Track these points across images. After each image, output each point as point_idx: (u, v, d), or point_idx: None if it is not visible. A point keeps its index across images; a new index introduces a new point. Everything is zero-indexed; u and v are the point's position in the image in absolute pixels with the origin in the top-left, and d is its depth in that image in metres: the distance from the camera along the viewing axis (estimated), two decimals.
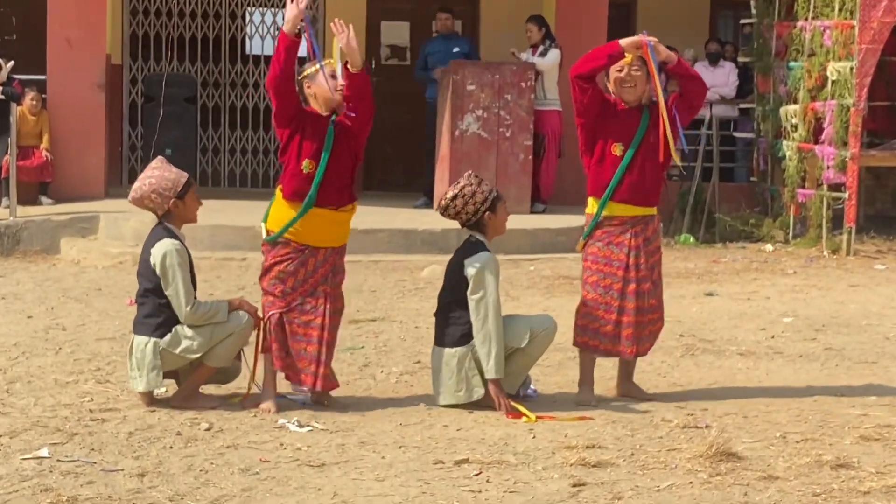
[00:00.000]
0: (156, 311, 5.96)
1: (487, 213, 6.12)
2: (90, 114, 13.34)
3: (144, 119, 14.41)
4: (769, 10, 13.66)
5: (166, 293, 5.91)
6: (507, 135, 12.60)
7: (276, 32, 15.83)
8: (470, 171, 6.33)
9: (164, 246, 5.92)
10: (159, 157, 6.24)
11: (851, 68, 12.07)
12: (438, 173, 13.08)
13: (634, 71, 6.24)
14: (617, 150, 6.29)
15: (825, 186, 12.45)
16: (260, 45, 15.60)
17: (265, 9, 15.98)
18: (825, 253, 12.12)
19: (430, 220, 12.12)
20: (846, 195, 12.15)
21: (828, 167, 12.36)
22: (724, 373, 7.09)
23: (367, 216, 12.14)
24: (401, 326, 8.33)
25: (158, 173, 6.02)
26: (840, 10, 12.28)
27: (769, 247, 12.62)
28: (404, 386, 6.66)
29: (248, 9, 15.98)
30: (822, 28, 12.54)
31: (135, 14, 14.99)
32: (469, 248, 6.15)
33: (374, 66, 16.00)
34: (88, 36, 13.32)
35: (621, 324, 6.27)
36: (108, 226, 11.63)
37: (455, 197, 6.12)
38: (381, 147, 15.67)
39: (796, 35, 13.00)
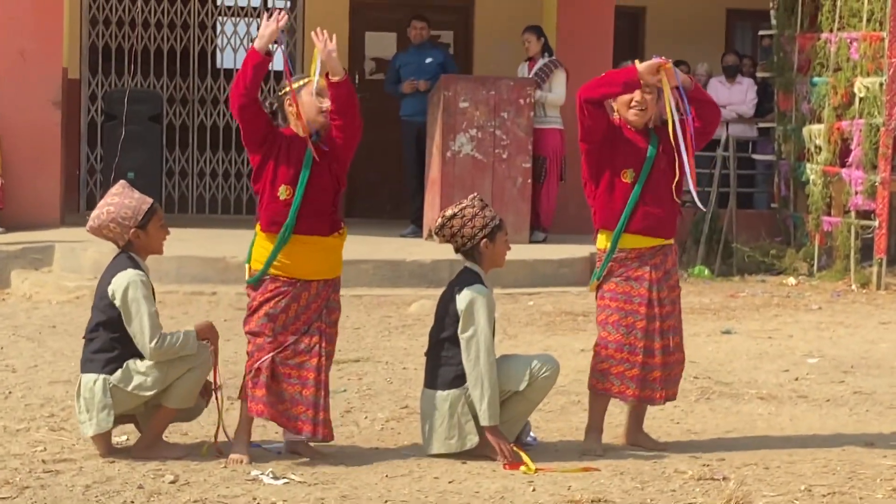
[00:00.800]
0: (107, 346, 5.92)
1: (485, 240, 6.10)
2: (45, 134, 13.32)
3: (104, 139, 14.37)
4: (791, 20, 13.72)
5: (129, 329, 5.88)
6: (504, 156, 12.60)
7: (250, 45, 16.01)
8: (475, 194, 6.30)
9: (127, 277, 5.89)
10: (121, 182, 6.21)
11: (881, 84, 12.11)
12: (429, 199, 13.08)
13: (647, 94, 6.25)
14: (627, 176, 6.28)
15: (853, 213, 12.48)
16: (232, 58, 15.63)
17: (238, 19, 16.01)
18: (853, 287, 12.13)
19: (419, 250, 12.13)
20: (876, 223, 12.17)
21: (856, 192, 12.39)
22: (743, 419, 7.08)
23: (350, 246, 12.04)
24: (387, 368, 8.31)
25: (118, 200, 6.00)
26: (868, 20, 12.34)
27: (792, 280, 12.63)
28: (390, 433, 6.64)
29: (220, 19, 16.03)
30: (848, 40, 12.60)
31: (94, 24, 15.00)
32: (462, 280, 6.14)
33: (357, 80, 16.03)
34: (43, 48, 13.32)
35: (648, 366, 6.25)
36: (63, 257, 11.60)
37: (453, 216, 6.09)
38: (364, 170, 15.64)
39: (820, 48, 13.06)
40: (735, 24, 17.40)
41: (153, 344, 5.84)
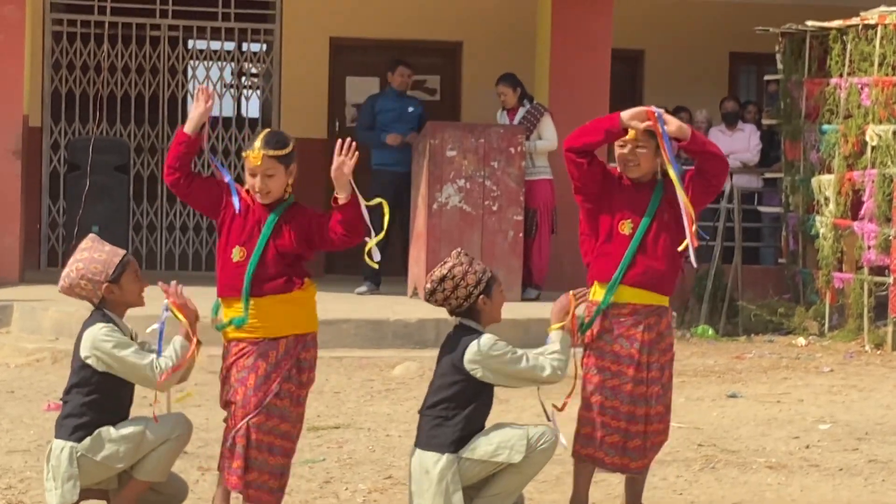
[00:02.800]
0: (76, 411, 5.89)
1: (482, 296, 6.03)
2: (3, 185, 13.32)
3: (67, 191, 14.42)
4: (798, 64, 13.78)
5: (130, 380, 5.87)
6: (494, 208, 12.61)
7: (224, 90, 16.12)
8: (459, 249, 6.21)
9: (91, 334, 5.88)
10: (91, 236, 6.20)
11: (895, 132, 12.17)
12: (414, 254, 13.07)
13: (639, 148, 6.20)
14: (626, 227, 6.24)
15: (866, 269, 12.51)
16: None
17: (210, 63, 16.07)
18: (867, 348, 12.14)
19: (403, 308, 12.12)
20: (891, 279, 12.20)
21: (868, 247, 12.42)
22: (750, 489, 7.06)
23: (330, 304, 12.11)
24: (369, 435, 8.28)
25: (87, 255, 6.00)
26: (881, 64, 12.41)
27: (801, 340, 12.63)
28: None
29: (191, 63, 16.08)
30: (859, 85, 12.66)
31: (57, 68, 15.06)
32: (464, 331, 6.03)
33: (337, 128, 16.09)
34: (2, 93, 13.34)
35: (629, 433, 6.22)
36: (22, 317, 11.57)
37: (444, 279, 5.99)
38: None
39: (830, 94, 13.12)
40: (739, 69, 17.49)
41: (153, 374, 5.81)
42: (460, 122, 15.06)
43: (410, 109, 13.80)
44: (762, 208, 14.93)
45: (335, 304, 12.06)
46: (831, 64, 13.13)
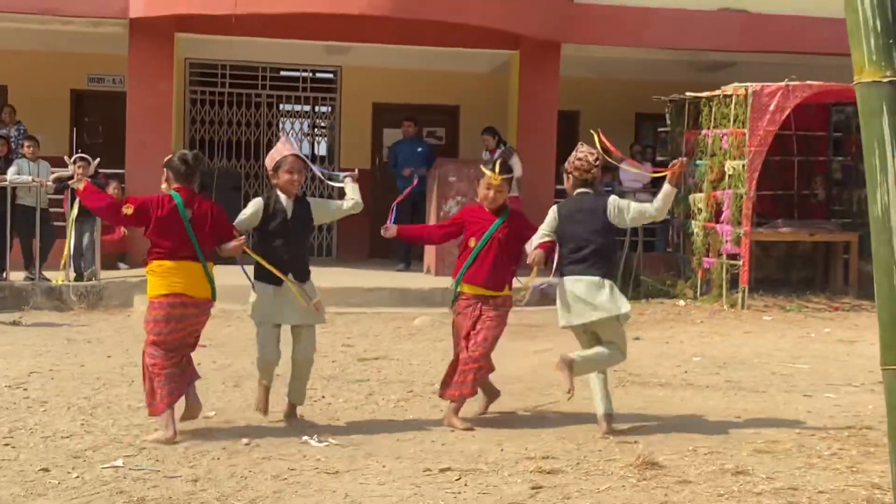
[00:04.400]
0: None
1: (597, 171, 5.98)
2: None
3: None
4: (680, 121, 13.81)
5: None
6: None
7: (303, 137, 16.12)
8: (586, 146, 6.11)
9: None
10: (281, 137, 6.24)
11: (744, 165, 12.17)
12: (427, 247, 13.09)
13: (496, 191, 6.16)
14: (472, 243, 6.20)
15: (724, 256, 12.51)
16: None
17: (294, 119, 16.11)
18: (725, 307, 12.14)
19: (420, 281, 12.13)
20: (740, 262, 12.20)
21: (726, 241, 12.43)
22: (647, 400, 7.06)
23: (373, 278, 12.12)
24: (398, 364, 8.29)
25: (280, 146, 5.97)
26: (734, 120, 12.42)
27: (682, 302, 12.64)
28: (401, 410, 6.60)
29: (281, 119, 16.11)
30: (721, 135, 12.67)
31: (194, 123, 15.09)
32: (580, 199, 5.96)
33: (378, 162, 16.09)
34: (158, 139, 13.37)
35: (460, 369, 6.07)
36: None
37: (598, 159, 5.94)
38: (382, 226, 15.64)
39: (701, 140, 13.13)
40: (641, 123, 17.50)
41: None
42: (459, 158, 15.06)
43: (419, 150, 13.84)
44: None
45: (376, 278, 12.07)
46: (702, 120, 13.13)
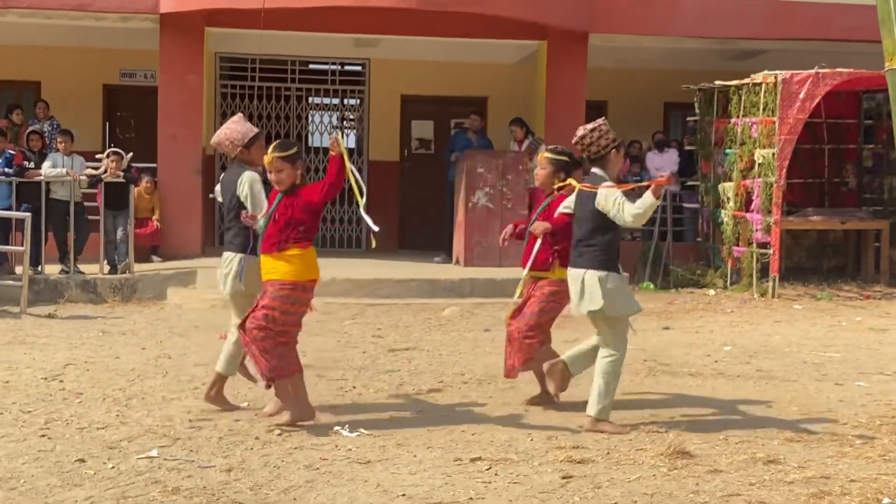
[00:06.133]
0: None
1: (614, 150, 5.75)
2: (190, 192, 13.43)
3: None
4: (709, 109, 13.71)
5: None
6: (509, 206, 12.61)
7: (332, 131, 16.13)
8: (603, 118, 5.91)
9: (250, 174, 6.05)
10: (238, 115, 6.33)
11: (773, 154, 12.08)
12: (456, 237, 13.09)
13: (542, 168, 6.28)
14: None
15: (755, 245, 12.44)
16: (319, 139, 15.72)
17: (323, 112, 16.14)
18: (755, 296, 12.07)
19: (449, 272, 12.13)
20: (771, 251, 12.12)
21: (756, 230, 12.35)
22: (678, 389, 7.04)
23: (402, 269, 12.14)
24: (428, 354, 8.30)
25: (233, 126, 6.15)
26: (764, 109, 12.33)
27: (712, 292, 12.57)
28: (431, 399, 6.63)
29: (311, 112, 16.14)
30: (750, 123, 12.58)
31: (224, 116, 15.13)
32: (594, 180, 5.71)
33: (406, 154, 16.09)
34: (189, 133, 13.45)
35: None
36: (203, 278, 11.66)
37: (593, 130, 5.72)
38: (411, 217, 15.68)
39: (730, 129, 13.04)
40: (670, 112, 17.39)
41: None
42: (486, 150, 15.03)
43: (476, 145, 13.54)
44: (685, 204, 14.84)
45: (406, 270, 12.08)
46: (731, 109, 13.04)
